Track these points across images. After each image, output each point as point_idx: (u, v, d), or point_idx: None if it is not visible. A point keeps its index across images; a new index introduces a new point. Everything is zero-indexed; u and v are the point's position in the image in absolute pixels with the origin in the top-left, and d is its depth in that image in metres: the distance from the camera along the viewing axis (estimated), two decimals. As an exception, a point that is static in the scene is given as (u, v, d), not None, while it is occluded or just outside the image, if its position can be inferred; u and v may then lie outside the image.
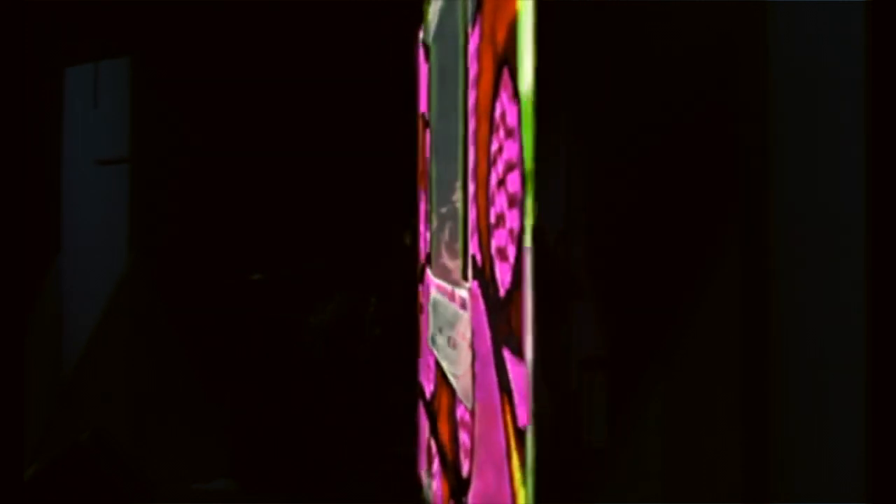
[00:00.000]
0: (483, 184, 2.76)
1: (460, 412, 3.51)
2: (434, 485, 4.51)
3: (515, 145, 2.16)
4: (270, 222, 6.92)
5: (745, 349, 4.76)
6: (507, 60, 2.30)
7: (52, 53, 6.65)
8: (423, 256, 5.16)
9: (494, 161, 2.48)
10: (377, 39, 6.44)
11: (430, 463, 4.68)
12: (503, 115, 2.36)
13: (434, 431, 4.51)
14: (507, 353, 2.29)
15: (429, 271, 4.78)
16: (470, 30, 3.20)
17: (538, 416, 2.08)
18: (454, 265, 3.75)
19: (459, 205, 3.55)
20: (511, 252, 2.20)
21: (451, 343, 3.88)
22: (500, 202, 2.38)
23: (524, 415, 2.21)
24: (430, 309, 4.63)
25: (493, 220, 2.54)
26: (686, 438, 5.04)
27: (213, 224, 6.95)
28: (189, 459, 6.52)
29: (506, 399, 2.31)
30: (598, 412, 5.74)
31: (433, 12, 4.49)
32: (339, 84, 6.86)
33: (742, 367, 4.73)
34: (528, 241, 1.99)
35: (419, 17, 5.15)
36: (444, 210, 4.27)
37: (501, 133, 2.38)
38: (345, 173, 6.97)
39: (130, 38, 6.79)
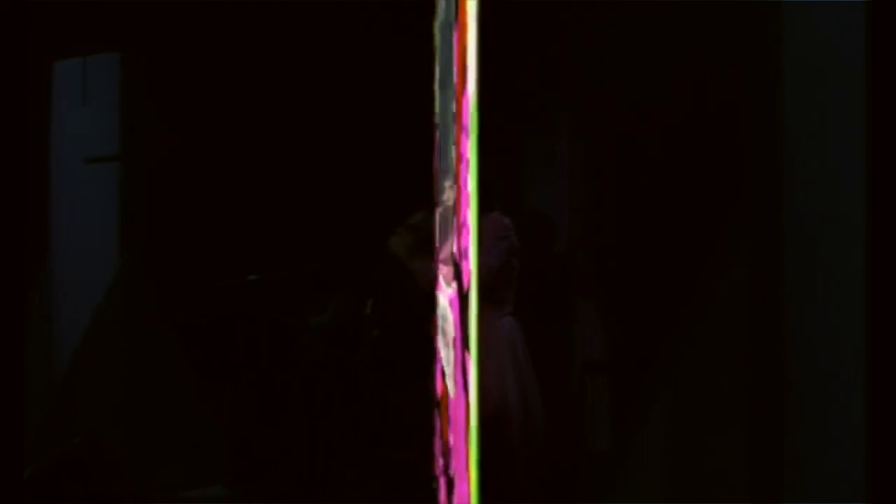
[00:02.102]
0: (457, 183, 2.93)
1: (451, 411, 3.69)
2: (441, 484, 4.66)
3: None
4: (267, 222, 6.97)
5: (754, 349, 4.88)
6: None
7: (40, 48, 6.70)
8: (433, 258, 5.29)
9: (461, 161, 2.64)
10: (381, 38, 6.50)
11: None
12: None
13: (441, 432, 4.66)
14: (465, 353, 2.44)
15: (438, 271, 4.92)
16: (454, 30, 3.39)
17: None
18: (448, 264, 3.91)
19: (450, 204, 3.72)
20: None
21: (445, 342, 4.05)
22: (464, 202, 2.54)
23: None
24: (438, 309, 4.78)
25: (462, 219, 2.70)
26: (690, 439, 5.17)
27: (208, 224, 7.00)
28: (184, 465, 6.61)
29: (465, 397, 2.46)
30: (600, 414, 5.90)
31: (440, 8, 4.63)
32: (340, 84, 6.93)
33: (751, 369, 4.85)
34: (472, 238, 2.15)
35: (431, 15, 5.25)
36: (440, 210, 4.43)
37: (465, 134, 2.53)
38: (345, 174, 7.03)
39: (121, 33, 6.82)
